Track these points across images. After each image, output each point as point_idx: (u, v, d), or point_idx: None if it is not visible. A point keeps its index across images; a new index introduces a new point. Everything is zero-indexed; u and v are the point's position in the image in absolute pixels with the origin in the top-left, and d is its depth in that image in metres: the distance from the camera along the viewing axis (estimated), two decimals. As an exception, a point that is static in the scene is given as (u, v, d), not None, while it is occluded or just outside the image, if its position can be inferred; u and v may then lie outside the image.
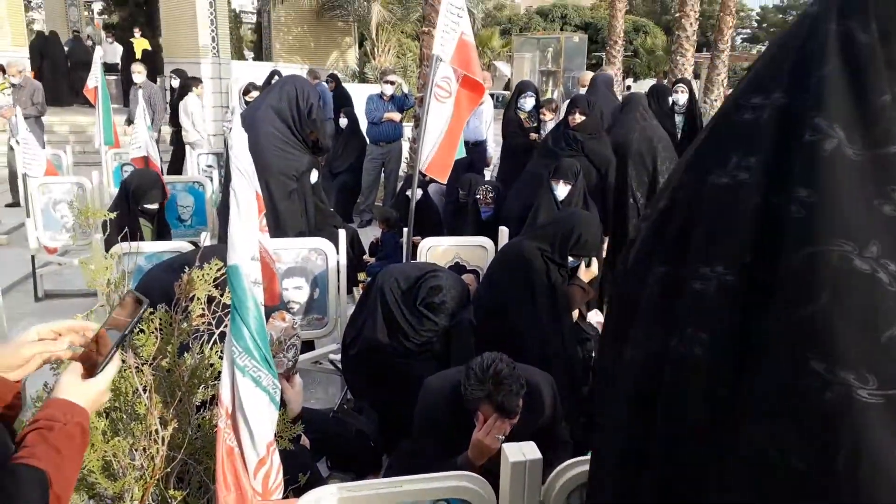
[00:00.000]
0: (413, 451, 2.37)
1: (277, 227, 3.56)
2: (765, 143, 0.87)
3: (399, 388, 2.79)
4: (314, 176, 5.45)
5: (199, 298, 1.41)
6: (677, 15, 14.42)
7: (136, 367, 1.30)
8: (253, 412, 1.21)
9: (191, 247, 3.40)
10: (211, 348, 1.49)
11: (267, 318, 2.17)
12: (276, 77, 8.51)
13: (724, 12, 15.69)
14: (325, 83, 8.66)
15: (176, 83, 8.74)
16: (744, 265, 0.85)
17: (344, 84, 10.82)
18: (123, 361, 1.28)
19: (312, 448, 2.52)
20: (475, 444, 2.08)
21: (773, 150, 0.86)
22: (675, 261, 0.94)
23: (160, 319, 1.37)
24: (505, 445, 1.41)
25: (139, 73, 8.39)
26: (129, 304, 1.15)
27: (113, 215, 1.64)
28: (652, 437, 0.95)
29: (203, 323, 1.43)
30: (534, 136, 5.88)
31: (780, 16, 44.13)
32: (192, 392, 1.39)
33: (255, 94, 7.30)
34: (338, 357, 3.40)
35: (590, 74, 6.43)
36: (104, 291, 1.39)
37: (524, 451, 1.39)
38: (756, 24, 46.00)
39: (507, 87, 27.18)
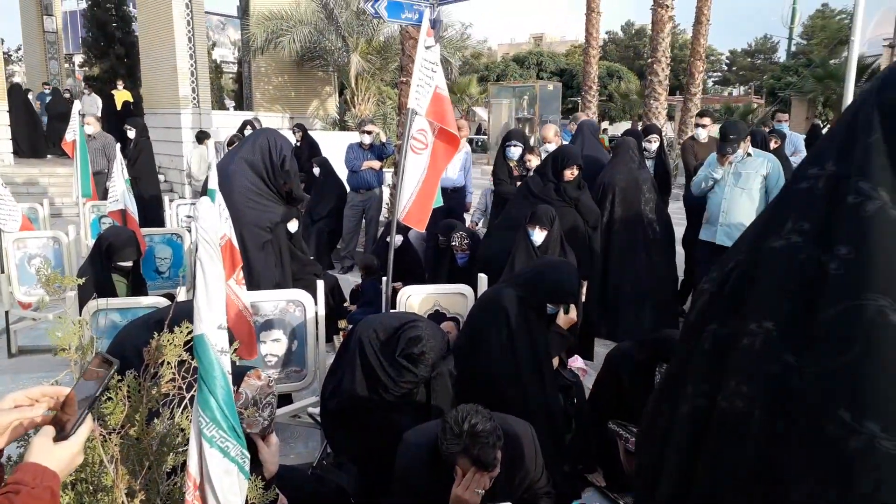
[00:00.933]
0: (393, 508, 2.32)
1: (251, 278, 3.54)
2: (818, 209, 0.92)
3: (379, 442, 2.75)
4: (294, 225, 5.48)
5: (169, 363, 1.39)
6: (649, 60, 14.83)
7: (103, 437, 1.28)
8: (221, 483, 1.19)
9: (166, 302, 3.37)
10: (182, 413, 1.46)
11: (243, 375, 2.15)
12: (249, 127, 8.65)
13: (694, 57, 16.25)
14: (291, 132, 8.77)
15: (132, 134, 8.80)
16: (789, 320, 0.90)
17: (325, 132, 10.96)
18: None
19: (293, 507, 2.47)
20: (454, 499, 2.06)
21: (825, 214, 0.91)
22: (726, 318, 1.00)
23: (128, 386, 1.35)
24: (481, 506, 1.40)
25: (90, 124, 8.48)
26: (98, 365, 1.15)
27: (81, 281, 1.62)
28: (697, 489, 1.00)
29: (174, 388, 1.41)
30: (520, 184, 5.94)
31: (749, 59, 45.59)
32: (161, 460, 1.36)
33: None
34: (317, 410, 3.35)
35: (553, 128, 6.55)
36: (72, 358, 1.38)
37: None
38: (726, 67, 47.46)
39: (479, 132, 27.61)
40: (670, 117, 20.89)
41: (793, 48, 34.73)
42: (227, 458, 1.20)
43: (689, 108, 16.30)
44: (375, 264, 5.56)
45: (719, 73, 47.31)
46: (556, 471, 3.01)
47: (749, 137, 5.18)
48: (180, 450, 1.43)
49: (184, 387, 1.44)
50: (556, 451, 3.10)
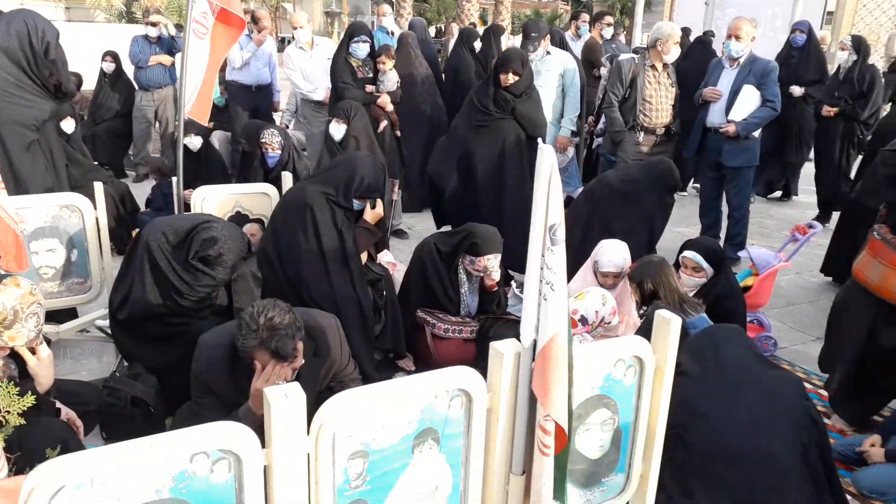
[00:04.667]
0: (192, 410, 2.24)
1: (17, 184, 3.11)
2: None
3: (178, 350, 2.61)
4: (69, 125, 4.87)
5: None
6: (462, -39, 14.72)
7: None
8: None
9: None
10: None
11: (-1, 285, 1.90)
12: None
13: (504, -41, 16.39)
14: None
15: None
16: None
17: (109, 24, 9.67)
18: None
19: (85, 422, 2.30)
20: (254, 392, 2.02)
21: None
22: None
23: None
24: (266, 390, 1.37)
25: None
26: None
27: None
28: None
29: None
30: (370, 87, 5.13)
31: (557, -34, 46.93)
32: None
33: None
34: (106, 323, 3.10)
35: (305, 15, 6.22)
36: None
37: (286, 393, 1.36)
38: (536, -27, 48.57)
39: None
40: (484, 21, 21.13)
41: (595, -44, 36.21)
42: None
43: (500, 12, 16.57)
44: (168, 166, 5.05)
45: (530, -21, 48.39)
46: (366, 360, 3.09)
47: (548, 36, 5.37)
48: None
49: None
50: (366, 342, 3.17)
